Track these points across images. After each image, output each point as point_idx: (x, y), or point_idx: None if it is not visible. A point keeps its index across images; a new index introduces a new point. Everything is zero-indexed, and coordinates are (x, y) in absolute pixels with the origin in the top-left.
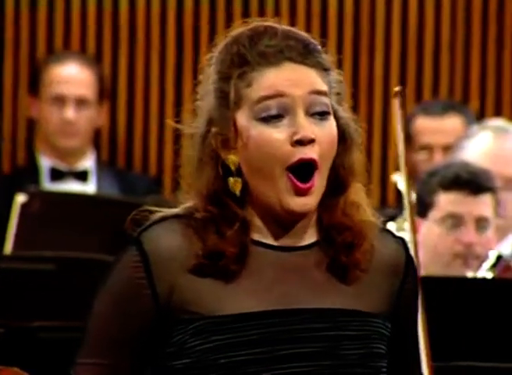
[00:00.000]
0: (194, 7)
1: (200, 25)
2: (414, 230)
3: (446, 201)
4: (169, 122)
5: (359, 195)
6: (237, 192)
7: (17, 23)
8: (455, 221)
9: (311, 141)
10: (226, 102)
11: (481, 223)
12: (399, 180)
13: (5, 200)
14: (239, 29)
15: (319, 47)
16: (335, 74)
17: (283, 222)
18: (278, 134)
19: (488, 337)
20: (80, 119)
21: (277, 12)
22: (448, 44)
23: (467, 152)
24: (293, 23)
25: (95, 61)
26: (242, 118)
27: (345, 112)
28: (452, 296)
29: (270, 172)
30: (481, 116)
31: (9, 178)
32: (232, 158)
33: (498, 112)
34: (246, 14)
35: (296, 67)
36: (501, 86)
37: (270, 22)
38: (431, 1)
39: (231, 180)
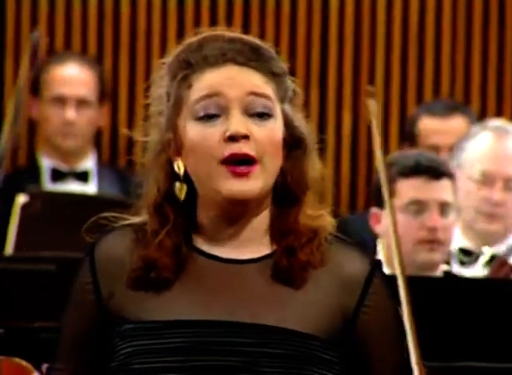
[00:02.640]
0: (195, 8)
1: (201, 26)
2: (395, 224)
3: (408, 188)
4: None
5: (310, 204)
6: (181, 198)
7: (18, 23)
8: (418, 207)
9: (245, 137)
10: (171, 106)
11: (444, 207)
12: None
13: (5, 200)
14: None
15: (271, 53)
16: (288, 81)
17: (230, 224)
18: (212, 132)
19: (486, 337)
20: (81, 119)
21: (278, 10)
22: (449, 44)
23: (468, 152)
24: (293, 22)
25: (96, 61)
26: (182, 121)
27: (300, 121)
28: (450, 296)
29: (207, 168)
30: (482, 117)
31: (10, 178)
32: (179, 164)
33: (499, 113)
34: (246, 13)
35: (237, 69)
36: (502, 86)
37: (232, 31)
38: (431, 2)
39: (177, 185)
